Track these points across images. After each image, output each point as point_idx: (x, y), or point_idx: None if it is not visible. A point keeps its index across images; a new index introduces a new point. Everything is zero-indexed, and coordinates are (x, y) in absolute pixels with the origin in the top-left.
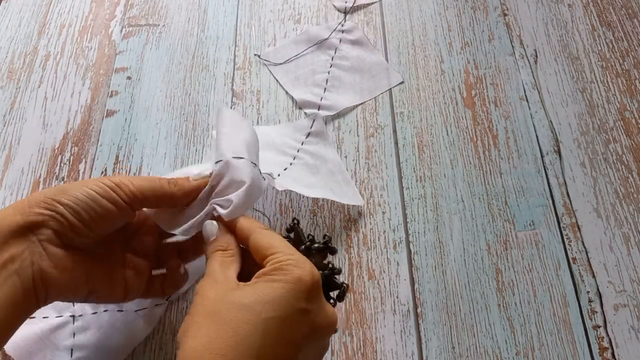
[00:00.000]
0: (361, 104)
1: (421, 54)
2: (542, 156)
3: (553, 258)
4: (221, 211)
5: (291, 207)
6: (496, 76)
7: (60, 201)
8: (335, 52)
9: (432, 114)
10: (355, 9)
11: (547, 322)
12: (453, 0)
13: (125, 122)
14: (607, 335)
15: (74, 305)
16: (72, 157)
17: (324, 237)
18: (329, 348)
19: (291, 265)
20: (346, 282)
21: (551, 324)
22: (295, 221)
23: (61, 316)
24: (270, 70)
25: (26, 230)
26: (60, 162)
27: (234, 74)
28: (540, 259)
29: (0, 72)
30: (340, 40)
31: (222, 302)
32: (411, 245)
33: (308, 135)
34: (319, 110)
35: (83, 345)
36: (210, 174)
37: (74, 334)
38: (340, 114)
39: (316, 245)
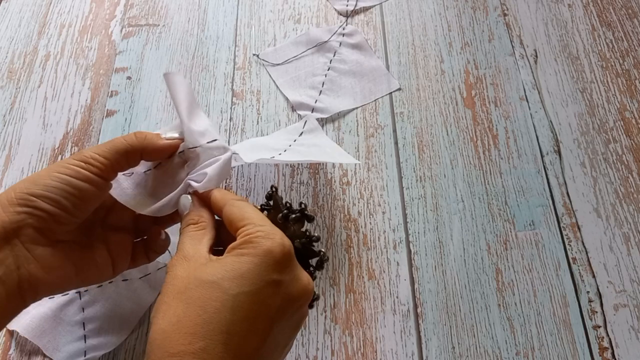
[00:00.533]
0: (356, 108)
1: (421, 54)
2: (542, 156)
3: (553, 258)
4: (195, 184)
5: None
6: (496, 76)
7: (34, 193)
8: (334, 55)
9: (432, 114)
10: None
11: (547, 322)
12: (453, 0)
13: (125, 122)
14: (607, 335)
15: None
16: None
17: (300, 205)
18: (330, 348)
19: (260, 237)
20: (324, 249)
21: (551, 324)
22: (274, 189)
23: (67, 294)
24: (267, 71)
25: (7, 235)
26: None
27: (234, 74)
28: (540, 259)
29: (0, 72)
30: (341, 43)
31: (190, 280)
32: (411, 245)
33: (301, 134)
34: (312, 112)
35: (93, 317)
36: (192, 192)
37: (82, 309)
38: (340, 114)
39: (293, 215)
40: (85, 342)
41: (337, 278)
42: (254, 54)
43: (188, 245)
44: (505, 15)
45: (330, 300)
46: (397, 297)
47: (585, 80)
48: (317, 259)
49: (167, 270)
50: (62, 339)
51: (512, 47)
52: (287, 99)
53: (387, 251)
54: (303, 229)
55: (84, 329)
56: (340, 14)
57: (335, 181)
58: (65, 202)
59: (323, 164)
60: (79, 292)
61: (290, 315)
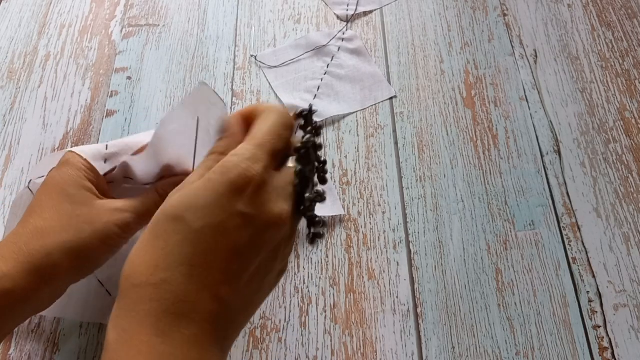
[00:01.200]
0: (351, 113)
1: (421, 54)
2: (542, 156)
3: (553, 258)
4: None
5: None
6: (496, 76)
7: (54, 269)
8: (331, 60)
9: (432, 114)
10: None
11: (547, 322)
12: (453, 1)
13: (125, 122)
14: (607, 335)
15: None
16: None
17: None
18: (330, 348)
19: (232, 162)
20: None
21: (551, 324)
22: (313, 109)
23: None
24: (264, 73)
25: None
26: None
27: (234, 74)
28: (540, 259)
29: (0, 72)
30: (339, 48)
31: (159, 213)
32: (411, 245)
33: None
34: None
35: (108, 278)
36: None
37: (95, 276)
38: (340, 114)
39: (316, 141)
40: (110, 295)
41: (337, 278)
42: (251, 55)
43: (195, 177)
44: (505, 15)
45: (330, 300)
46: (397, 297)
47: (585, 80)
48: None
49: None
50: (89, 301)
51: (512, 47)
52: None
53: (387, 251)
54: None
55: (104, 287)
56: (340, 19)
57: (335, 181)
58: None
59: None
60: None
61: (263, 248)
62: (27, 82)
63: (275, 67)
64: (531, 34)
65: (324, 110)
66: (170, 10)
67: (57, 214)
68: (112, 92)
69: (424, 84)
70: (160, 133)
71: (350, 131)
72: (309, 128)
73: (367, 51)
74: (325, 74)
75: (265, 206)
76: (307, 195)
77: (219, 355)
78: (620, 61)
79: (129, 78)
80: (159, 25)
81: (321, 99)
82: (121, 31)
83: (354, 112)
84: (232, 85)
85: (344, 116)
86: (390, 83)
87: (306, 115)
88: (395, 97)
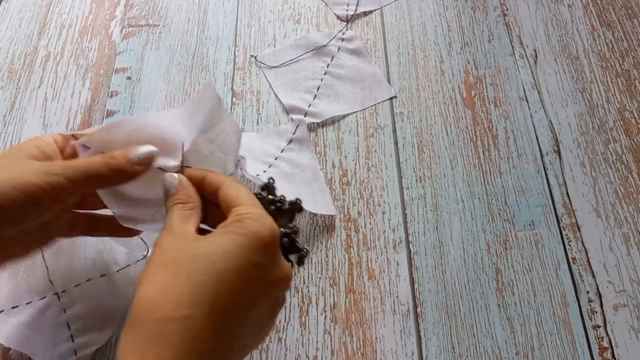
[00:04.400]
0: (350, 114)
1: (421, 54)
2: (542, 156)
3: (553, 258)
4: (172, 163)
5: None
6: (496, 76)
7: None
8: (331, 60)
9: (432, 114)
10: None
11: (547, 322)
12: (453, 0)
13: None
14: (607, 335)
15: (52, 284)
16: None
17: (296, 200)
18: (329, 348)
19: (251, 219)
20: (307, 246)
21: (551, 324)
22: (271, 180)
23: (44, 297)
24: (264, 73)
25: None
26: None
27: (233, 74)
28: (540, 259)
29: (0, 72)
30: (339, 48)
31: (178, 252)
32: (411, 245)
33: (290, 141)
34: (305, 116)
35: (77, 316)
36: (181, 167)
37: (64, 310)
38: (340, 114)
39: (285, 208)
40: (73, 341)
41: (337, 278)
42: (251, 55)
43: (176, 222)
44: (505, 15)
45: (330, 300)
46: (397, 297)
47: (585, 80)
48: (297, 255)
49: (155, 244)
50: (49, 341)
51: (512, 47)
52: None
53: (387, 251)
54: (292, 224)
55: (69, 329)
56: (340, 19)
57: (335, 181)
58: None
59: (322, 163)
60: (56, 294)
61: (269, 297)
62: (27, 82)
63: (275, 67)
64: (531, 34)
65: (323, 110)
66: (170, 10)
67: None
68: (112, 92)
69: (424, 84)
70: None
71: (350, 131)
72: (290, 224)
73: (367, 51)
74: (325, 74)
75: (278, 260)
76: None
77: None
78: (620, 61)
79: (129, 78)
80: (159, 25)
81: (320, 99)
82: (121, 31)
83: (353, 112)
84: (232, 85)
85: (344, 116)
86: (390, 83)
87: (267, 187)
88: (395, 97)
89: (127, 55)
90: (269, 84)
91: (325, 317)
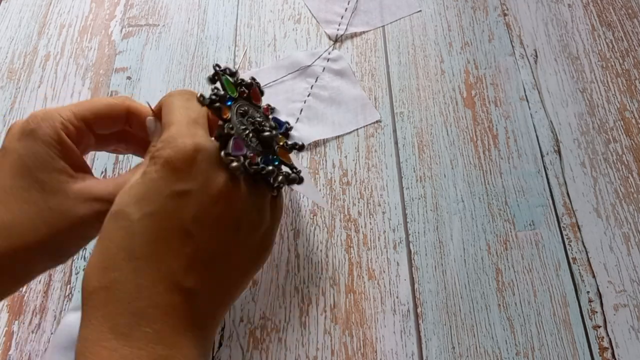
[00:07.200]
0: (333, 138)
1: (421, 54)
2: (542, 156)
3: (553, 258)
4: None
5: (291, 207)
6: (496, 76)
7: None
8: (315, 81)
9: (432, 114)
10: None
11: (547, 322)
12: (453, 0)
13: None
14: (607, 335)
15: None
16: None
17: (250, 79)
18: (330, 348)
19: (160, 149)
20: (299, 142)
21: (551, 324)
22: (216, 68)
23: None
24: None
25: None
26: None
27: None
28: (540, 259)
29: (0, 72)
30: (324, 68)
31: (107, 217)
32: (411, 245)
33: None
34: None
35: None
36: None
37: None
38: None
39: (240, 100)
40: None
41: (337, 278)
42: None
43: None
44: (505, 15)
45: (330, 300)
46: (397, 297)
47: (585, 80)
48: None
49: None
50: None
51: (512, 47)
52: None
53: (387, 251)
54: (258, 115)
55: None
56: (330, 39)
57: (335, 181)
58: None
59: (322, 163)
60: None
61: (219, 227)
62: (27, 82)
63: None
64: (531, 34)
65: (307, 134)
66: (170, 10)
67: (25, 203)
68: (112, 92)
69: (424, 83)
70: None
71: (350, 131)
72: (215, 86)
73: (352, 72)
74: (308, 95)
75: (207, 179)
76: (223, 152)
77: (192, 347)
78: (621, 61)
79: (128, 78)
80: (158, 25)
81: (303, 122)
82: (121, 31)
83: (336, 137)
84: None
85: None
86: (390, 83)
87: (214, 78)
88: (380, 121)
89: (127, 55)
90: None
91: (325, 317)
